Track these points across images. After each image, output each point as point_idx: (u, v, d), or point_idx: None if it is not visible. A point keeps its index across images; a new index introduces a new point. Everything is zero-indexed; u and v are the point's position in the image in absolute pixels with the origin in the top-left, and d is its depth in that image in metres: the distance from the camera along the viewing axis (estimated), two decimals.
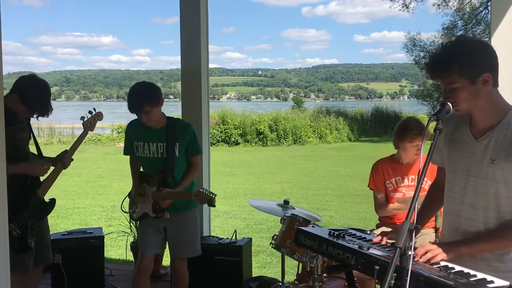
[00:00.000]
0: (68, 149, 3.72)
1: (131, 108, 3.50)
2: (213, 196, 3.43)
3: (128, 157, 3.87)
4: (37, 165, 3.50)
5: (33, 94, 3.45)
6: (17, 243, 3.42)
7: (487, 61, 2.06)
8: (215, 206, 3.53)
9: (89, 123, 3.76)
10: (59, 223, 8.26)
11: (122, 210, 3.83)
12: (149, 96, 3.50)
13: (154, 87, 3.59)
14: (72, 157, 3.71)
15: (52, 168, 3.66)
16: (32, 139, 3.69)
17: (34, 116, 3.55)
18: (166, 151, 3.57)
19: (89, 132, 3.79)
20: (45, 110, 3.52)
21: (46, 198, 3.66)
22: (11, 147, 3.40)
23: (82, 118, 3.76)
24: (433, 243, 2.19)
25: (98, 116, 3.81)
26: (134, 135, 3.70)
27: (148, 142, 3.61)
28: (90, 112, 3.80)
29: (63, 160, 3.66)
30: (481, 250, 2.14)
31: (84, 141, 3.77)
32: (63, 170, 3.68)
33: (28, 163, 3.45)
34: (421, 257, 2.07)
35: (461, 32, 26.58)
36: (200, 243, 3.83)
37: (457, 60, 2.02)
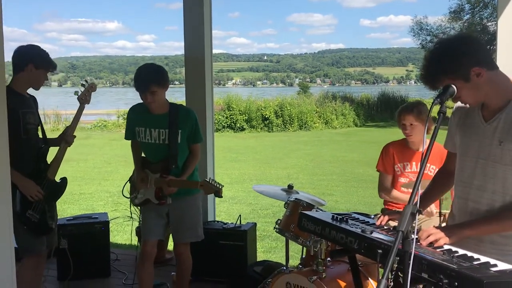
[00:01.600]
0: (68, 126, 3.72)
1: (138, 87, 3.47)
2: (220, 187, 3.40)
3: None
4: (32, 186, 3.45)
5: (36, 50, 3.54)
6: (38, 228, 3.49)
7: (470, 56, 2.04)
8: (221, 197, 3.49)
9: (84, 96, 3.73)
10: (65, 208, 8.31)
11: (123, 195, 3.83)
12: (157, 76, 3.49)
13: (163, 69, 3.58)
14: (74, 134, 3.71)
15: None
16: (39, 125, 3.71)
17: (51, 70, 3.60)
18: (169, 138, 3.56)
19: (86, 105, 3.76)
20: (52, 63, 3.60)
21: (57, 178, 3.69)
22: (22, 130, 3.44)
23: (76, 93, 3.73)
24: (436, 227, 2.18)
25: (92, 87, 3.77)
26: (136, 120, 3.68)
27: (150, 128, 3.59)
28: (82, 85, 3.78)
29: (66, 139, 3.66)
30: (485, 232, 2.12)
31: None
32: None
33: (24, 178, 3.41)
34: (424, 241, 2.06)
35: (468, 16, 26.34)
36: (202, 228, 3.82)
37: (441, 71, 2.05)
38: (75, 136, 3.72)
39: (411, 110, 3.61)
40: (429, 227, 2.13)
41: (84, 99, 3.73)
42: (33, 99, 3.68)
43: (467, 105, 2.20)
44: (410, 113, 3.61)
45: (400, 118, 3.69)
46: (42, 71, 3.53)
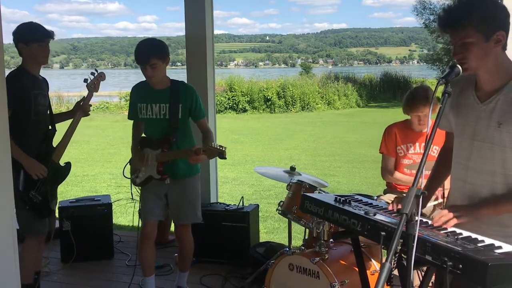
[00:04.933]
0: (82, 98, 3.78)
1: (138, 59, 3.46)
2: (223, 149, 3.31)
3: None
4: (37, 165, 3.45)
5: (19, 27, 3.50)
6: (40, 209, 3.50)
7: (504, 18, 1.99)
8: (226, 158, 3.36)
9: (93, 84, 3.78)
10: (69, 190, 8.34)
11: (124, 176, 3.83)
12: (158, 49, 3.48)
13: (163, 43, 3.58)
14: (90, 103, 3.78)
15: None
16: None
17: (43, 39, 3.51)
18: (169, 112, 3.54)
19: (94, 93, 3.81)
20: (39, 31, 3.51)
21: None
22: (32, 111, 3.44)
23: (85, 80, 3.77)
24: (452, 206, 2.14)
25: (101, 77, 3.82)
26: (138, 97, 3.68)
27: (151, 103, 3.58)
28: (92, 73, 3.82)
29: (83, 108, 3.71)
30: (501, 211, 2.07)
31: (92, 109, 3.81)
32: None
33: (30, 158, 3.41)
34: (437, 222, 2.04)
35: None
36: (201, 210, 3.81)
37: (475, 14, 1.95)
38: (91, 105, 3.79)
39: (432, 95, 3.50)
40: (443, 211, 2.09)
41: (93, 87, 3.78)
42: (45, 81, 3.68)
43: (460, 79, 2.10)
44: (428, 105, 3.50)
45: (416, 109, 3.55)
46: (33, 45, 3.45)
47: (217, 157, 3.37)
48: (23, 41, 3.45)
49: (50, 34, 3.54)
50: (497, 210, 2.08)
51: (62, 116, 3.87)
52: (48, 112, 3.68)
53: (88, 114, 3.79)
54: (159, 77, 3.52)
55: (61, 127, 3.77)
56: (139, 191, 3.77)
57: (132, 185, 3.82)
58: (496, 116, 2.04)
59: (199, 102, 3.64)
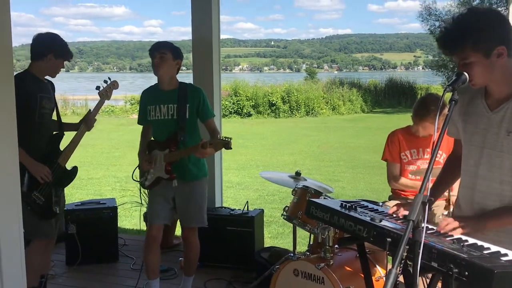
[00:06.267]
0: (89, 111, 3.80)
1: (151, 49, 3.61)
2: (229, 139, 3.33)
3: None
4: (42, 168, 3.47)
5: (57, 40, 3.59)
6: (42, 211, 3.51)
7: (501, 33, 1.98)
8: (231, 148, 3.37)
9: (105, 92, 3.83)
10: (73, 193, 8.36)
11: (133, 179, 3.85)
12: (171, 44, 3.65)
13: (179, 48, 3.69)
14: (95, 118, 3.80)
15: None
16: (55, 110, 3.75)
17: (68, 60, 3.64)
18: (177, 113, 3.58)
19: (106, 101, 3.86)
20: (70, 52, 3.64)
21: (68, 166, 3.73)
22: (37, 114, 3.46)
23: (98, 87, 3.82)
24: (458, 217, 2.14)
25: (114, 85, 3.87)
26: (148, 99, 3.74)
27: (159, 105, 3.63)
28: (105, 81, 3.86)
29: (86, 122, 3.74)
30: (506, 223, 2.07)
31: (98, 112, 3.83)
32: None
33: (34, 161, 3.43)
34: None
35: (478, 1, 26.02)
36: (206, 214, 3.82)
37: (469, 36, 1.95)
38: (95, 120, 3.81)
39: (439, 102, 3.49)
40: (449, 218, 2.09)
41: (104, 94, 3.83)
42: (51, 83, 3.71)
43: (469, 87, 2.09)
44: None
45: (430, 118, 3.53)
46: (60, 60, 3.57)
47: (223, 148, 3.40)
48: (54, 54, 3.51)
49: (72, 56, 3.69)
50: (501, 222, 2.08)
51: (69, 126, 3.89)
52: (56, 115, 3.70)
53: (91, 127, 3.80)
54: (166, 71, 3.59)
55: (68, 132, 3.81)
56: (146, 195, 3.79)
57: (141, 189, 3.84)
58: (506, 124, 2.05)
59: (206, 102, 3.68)
